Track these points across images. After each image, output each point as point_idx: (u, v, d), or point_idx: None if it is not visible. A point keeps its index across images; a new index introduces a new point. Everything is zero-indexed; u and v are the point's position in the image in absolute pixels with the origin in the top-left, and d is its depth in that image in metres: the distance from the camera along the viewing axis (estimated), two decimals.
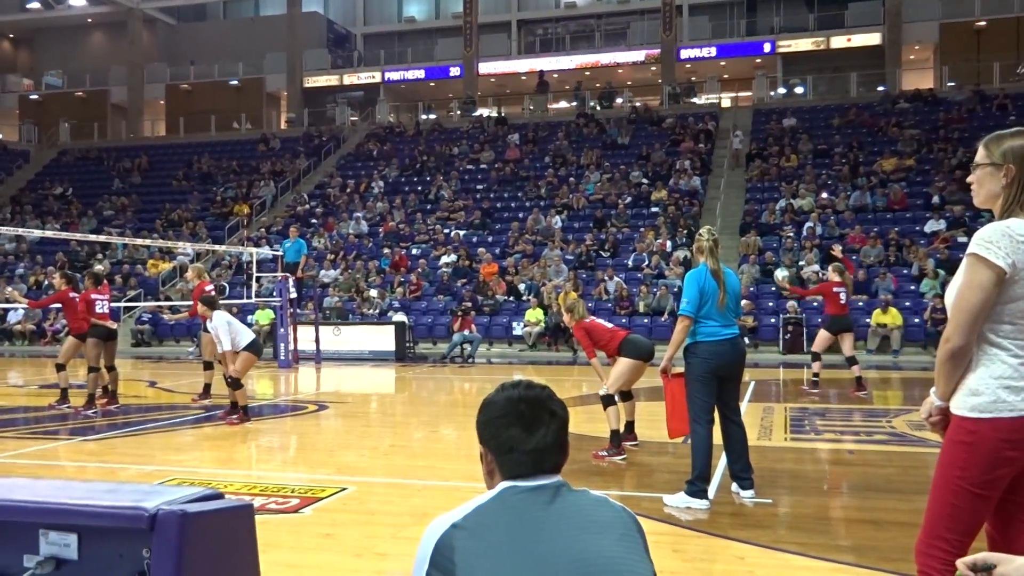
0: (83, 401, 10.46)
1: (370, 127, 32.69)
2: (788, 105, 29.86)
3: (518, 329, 19.26)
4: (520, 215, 24.21)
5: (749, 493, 5.66)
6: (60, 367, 11.04)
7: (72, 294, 10.98)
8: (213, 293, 11.07)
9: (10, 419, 10.41)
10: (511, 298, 20.30)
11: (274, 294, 17.84)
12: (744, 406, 9.53)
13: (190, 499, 1.85)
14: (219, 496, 1.96)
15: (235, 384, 9.24)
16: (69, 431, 9.18)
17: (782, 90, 33.43)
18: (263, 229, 25.64)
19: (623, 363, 7.31)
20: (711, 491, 5.63)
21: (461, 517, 1.75)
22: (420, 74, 36.31)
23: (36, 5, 37.75)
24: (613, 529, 1.76)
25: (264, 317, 20.22)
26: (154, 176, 31.77)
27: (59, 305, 12.13)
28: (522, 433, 1.81)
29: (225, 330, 9.22)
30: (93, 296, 10.77)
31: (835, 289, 11.48)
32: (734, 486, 5.74)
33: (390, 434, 9.49)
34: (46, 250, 26.29)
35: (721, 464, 6.16)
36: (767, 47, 34.16)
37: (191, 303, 11.73)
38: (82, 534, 1.85)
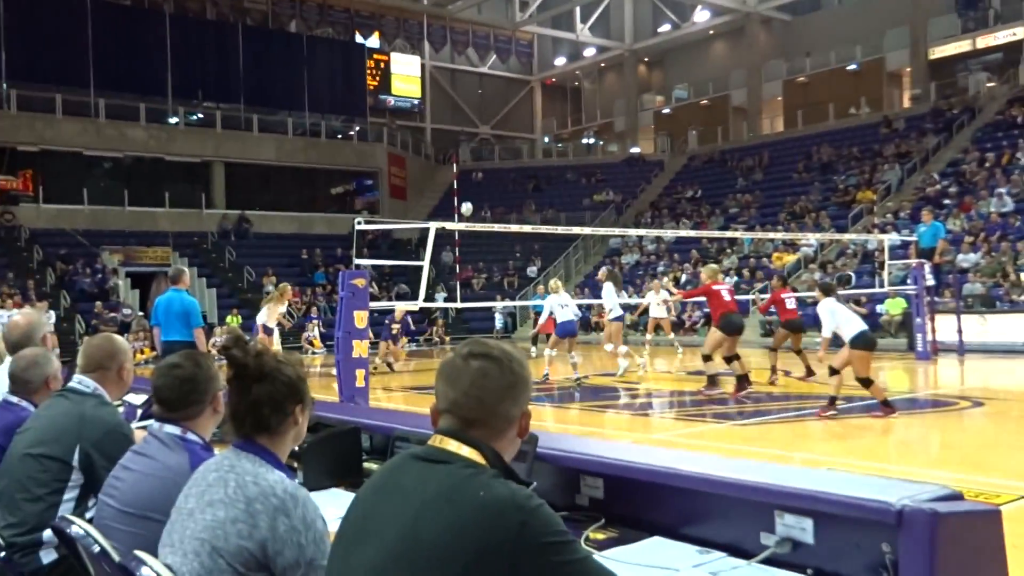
0: (730, 388, 11.14)
1: (1012, 91, 28.95)
2: None
3: None
4: None
5: None
6: (706, 358, 11.84)
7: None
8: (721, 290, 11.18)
9: (668, 402, 11.53)
10: None
11: (907, 282, 16.85)
12: None
13: (935, 498, 1.72)
14: (960, 497, 1.79)
15: (864, 383, 8.81)
16: (714, 415, 9.82)
17: None
18: (889, 215, 24.48)
19: None
20: None
21: None
22: None
23: (666, 27, 41.73)
24: None
25: (895, 307, 19.27)
26: (774, 171, 32.59)
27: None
28: None
29: (827, 319, 8.88)
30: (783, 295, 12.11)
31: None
32: None
33: None
34: (681, 248, 28.76)
35: None
36: None
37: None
38: (817, 519, 1.85)
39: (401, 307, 15.24)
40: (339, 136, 36.26)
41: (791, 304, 12.53)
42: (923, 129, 29.20)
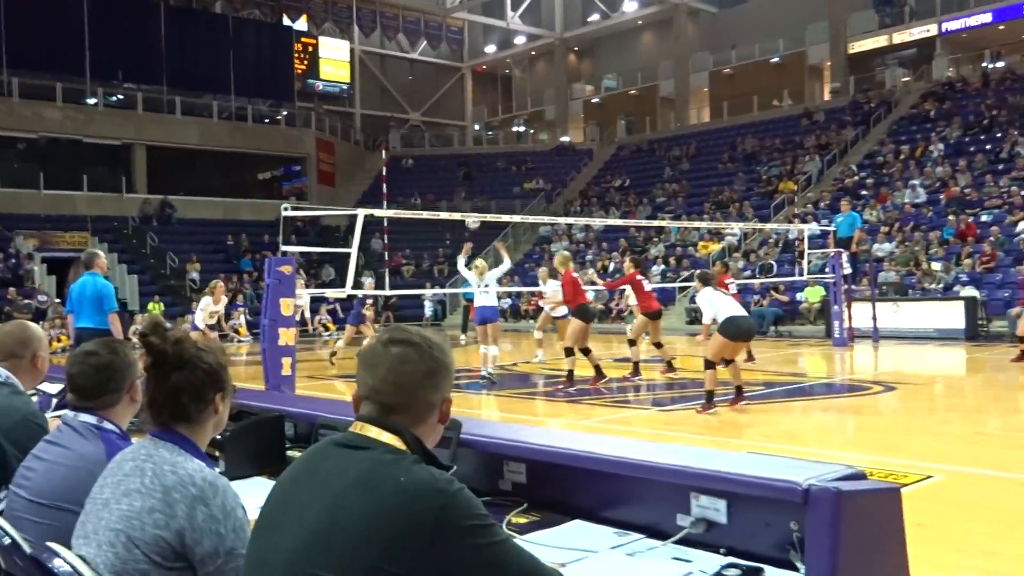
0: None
1: (926, 86, 30.00)
2: None
3: None
4: None
5: None
6: (632, 343, 12.06)
7: (639, 276, 11.94)
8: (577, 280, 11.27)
9: (595, 388, 11.65)
10: None
11: (825, 270, 17.37)
12: None
13: (839, 477, 1.80)
14: (863, 476, 1.88)
15: (706, 364, 8.82)
16: (643, 401, 9.98)
17: None
18: (810, 205, 25.17)
19: None
20: None
21: None
22: (986, 18, 32.08)
23: (595, 17, 41.98)
24: None
25: (814, 294, 19.85)
26: (701, 161, 33.15)
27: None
28: None
29: (706, 307, 9.05)
30: (726, 281, 11.97)
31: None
32: None
33: (969, 420, 8.59)
34: (610, 237, 29.07)
35: None
36: None
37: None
38: (730, 500, 1.92)
39: (369, 289, 14.16)
40: (266, 121, 35.57)
41: (733, 289, 12.58)
42: (842, 121, 30.06)
